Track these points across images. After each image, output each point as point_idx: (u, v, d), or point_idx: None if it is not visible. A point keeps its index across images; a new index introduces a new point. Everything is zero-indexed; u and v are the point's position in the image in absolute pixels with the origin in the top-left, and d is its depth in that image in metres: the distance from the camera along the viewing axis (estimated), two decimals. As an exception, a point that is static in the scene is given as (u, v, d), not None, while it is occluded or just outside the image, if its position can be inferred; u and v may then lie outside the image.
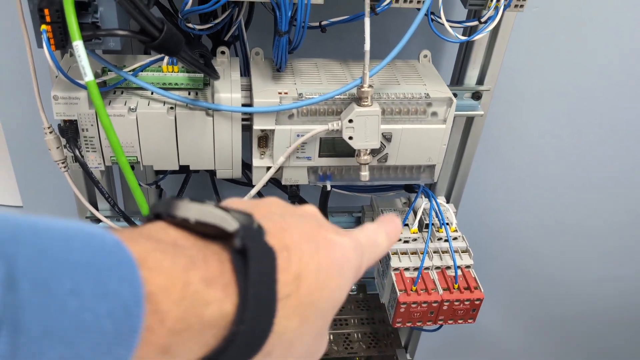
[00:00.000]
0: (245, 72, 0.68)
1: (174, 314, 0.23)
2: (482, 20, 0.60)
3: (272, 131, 0.60)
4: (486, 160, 0.99)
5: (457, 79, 0.73)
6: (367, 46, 0.56)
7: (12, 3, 0.55)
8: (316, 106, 0.60)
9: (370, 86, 0.57)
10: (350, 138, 0.59)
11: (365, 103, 0.58)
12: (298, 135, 0.61)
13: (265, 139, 0.62)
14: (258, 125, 0.60)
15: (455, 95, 0.64)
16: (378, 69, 0.57)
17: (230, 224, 0.25)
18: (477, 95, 0.73)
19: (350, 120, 0.58)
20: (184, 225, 0.26)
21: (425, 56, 0.68)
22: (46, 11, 0.48)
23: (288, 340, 0.28)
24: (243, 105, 0.60)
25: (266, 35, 0.69)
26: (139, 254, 0.22)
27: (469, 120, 0.75)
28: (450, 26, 0.60)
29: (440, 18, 0.60)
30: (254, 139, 0.62)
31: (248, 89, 0.63)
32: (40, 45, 0.51)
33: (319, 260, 0.29)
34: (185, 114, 0.59)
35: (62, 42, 0.50)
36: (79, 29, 0.45)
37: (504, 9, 0.58)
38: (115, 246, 0.22)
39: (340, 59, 0.67)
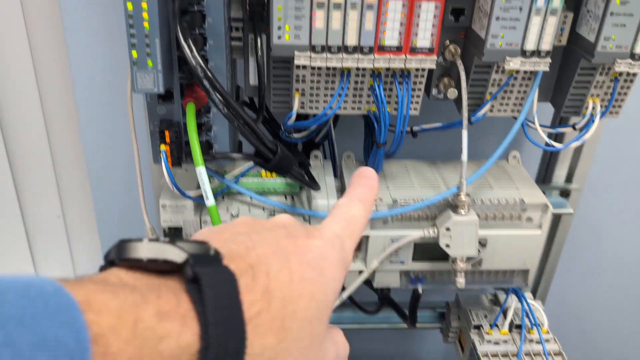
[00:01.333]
0: (335, 171, 0.69)
1: (126, 354, 0.22)
2: (578, 127, 0.60)
3: (367, 236, 0.61)
4: (570, 253, 0.96)
5: (543, 177, 0.73)
6: (464, 156, 0.57)
7: (125, 119, 0.59)
8: (410, 212, 0.60)
9: (467, 195, 0.58)
10: (447, 246, 0.59)
11: (462, 211, 0.58)
12: (392, 240, 0.61)
13: (359, 242, 0.63)
14: (353, 231, 0.61)
15: (543, 192, 0.64)
16: (475, 177, 0.58)
17: (179, 255, 0.25)
18: (565, 193, 0.72)
19: (448, 229, 0.58)
20: (139, 266, 0.26)
21: (515, 157, 0.68)
22: (167, 132, 0.51)
23: (268, 359, 0.27)
24: (338, 210, 0.61)
25: (353, 132, 0.71)
26: (83, 297, 0.22)
27: (557, 218, 0.74)
28: (543, 131, 0.61)
29: (533, 123, 0.61)
30: (347, 243, 0.62)
31: (340, 190, 0.64)
32: (157, 162, 0.54)
33: (291, 268, 0.29)
34: (284, 220, 0.60)
35: (178, 159, 0.53)
36: (202, 155, 0.47)
37: (601, 117, 0.59)
38: (55, 293, 0.21)
39: (428, 161, 0.68)
